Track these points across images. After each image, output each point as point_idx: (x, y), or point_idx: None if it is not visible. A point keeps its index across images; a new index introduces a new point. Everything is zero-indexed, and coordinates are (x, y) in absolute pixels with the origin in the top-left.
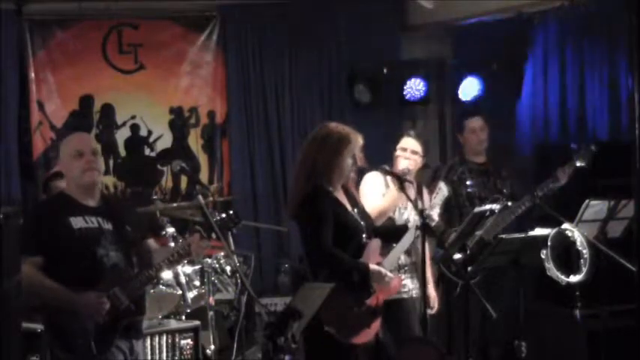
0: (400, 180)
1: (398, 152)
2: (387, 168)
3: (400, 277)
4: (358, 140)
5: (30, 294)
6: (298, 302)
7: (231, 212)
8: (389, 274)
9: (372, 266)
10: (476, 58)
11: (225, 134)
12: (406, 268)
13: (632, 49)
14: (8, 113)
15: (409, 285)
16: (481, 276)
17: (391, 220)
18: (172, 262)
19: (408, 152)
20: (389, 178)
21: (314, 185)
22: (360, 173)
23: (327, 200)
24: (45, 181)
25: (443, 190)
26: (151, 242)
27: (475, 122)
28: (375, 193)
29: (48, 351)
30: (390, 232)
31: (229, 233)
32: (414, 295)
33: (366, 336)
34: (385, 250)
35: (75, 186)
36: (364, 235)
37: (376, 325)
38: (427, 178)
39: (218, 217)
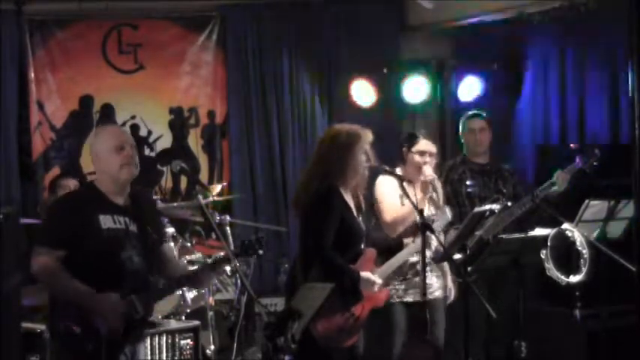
0: (401, 180)
1: (416, 157)
2: (387, 168)
3: (388, 289)
4: (368, 136)
5: (51, 288)
6: (298, 302)
7: (259, 236)
8: (378, 281)
9: (363, 273)
10: (476, 58)
11: (225, 134)
12: (431, 267)
13: (632, 49)
14: (8, 113)
15: (435, 285)
16: (481, 276)
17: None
18: (180, 286)
19: (427, 156)
20: (404, 182)
21: (328, 184)
22: (373, 173)
23: (338, 201)
24: (52, 180)
25: (447, 215)
26: (168, 248)
27: (475, 123)
28: (393, 197)
29: (49, 352)
30: (385, 249)
31: (230, 234)
32: (440, 295)
33: (346, 343)
34: (379, 260)
35: (111, 181)
36: (363, 244)
37: (357, 335)
38: None
39: (247, 241)
